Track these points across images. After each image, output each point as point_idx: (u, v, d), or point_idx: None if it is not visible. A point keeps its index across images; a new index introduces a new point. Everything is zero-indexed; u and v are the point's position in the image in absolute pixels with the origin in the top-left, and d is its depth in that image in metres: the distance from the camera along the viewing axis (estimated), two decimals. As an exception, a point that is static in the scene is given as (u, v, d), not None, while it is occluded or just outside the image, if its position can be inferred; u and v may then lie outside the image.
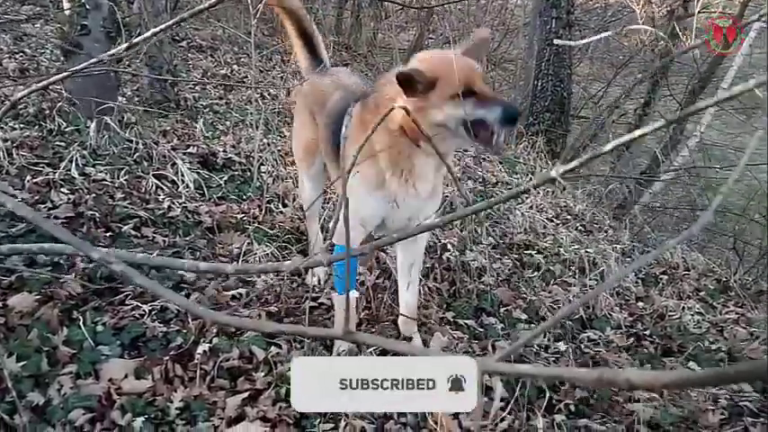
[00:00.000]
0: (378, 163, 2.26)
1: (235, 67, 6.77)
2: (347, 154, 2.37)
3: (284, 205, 3.54)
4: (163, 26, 1.82)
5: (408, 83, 2.04)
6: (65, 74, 2.10)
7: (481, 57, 2.28)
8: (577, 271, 3.64)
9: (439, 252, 3.41)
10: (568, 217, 4.87)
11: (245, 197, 3.62)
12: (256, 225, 3.24)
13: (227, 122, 4.85)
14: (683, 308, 3.41)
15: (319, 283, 2.89)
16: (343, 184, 1.13)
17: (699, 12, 6.65)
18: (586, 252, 3.94)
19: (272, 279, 2.79)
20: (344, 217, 0.99)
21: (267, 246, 3.00)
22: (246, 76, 6.38)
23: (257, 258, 2.90)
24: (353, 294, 2.49)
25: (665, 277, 3.94)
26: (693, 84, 7.85)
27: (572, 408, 2.38)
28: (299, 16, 2.92)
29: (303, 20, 2.93)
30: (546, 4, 7.14)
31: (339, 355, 2.34)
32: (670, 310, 3.36)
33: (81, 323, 2.18)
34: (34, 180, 3.06)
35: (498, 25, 10.30)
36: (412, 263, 2.58)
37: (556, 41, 6.47)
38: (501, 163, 5.66)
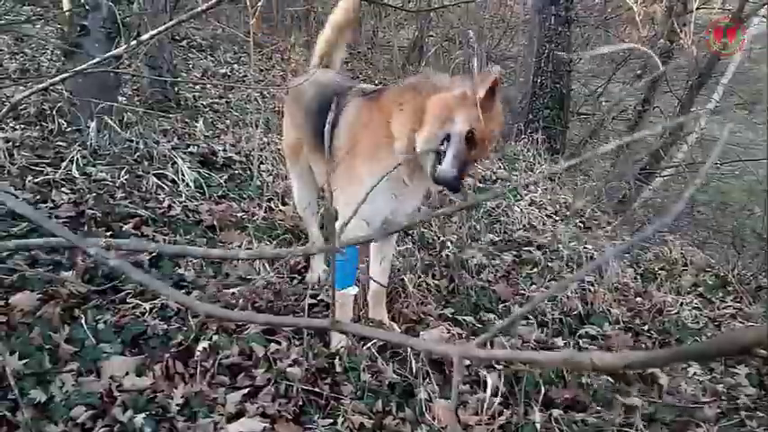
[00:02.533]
0: (390, 156, 2.30)
1: (235, 66, 6.79)
2: (339, 145, 2.40)
3: (284, 203, 3.56)
4: (161, 28, 1.83)
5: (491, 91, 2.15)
6: (65, 74, 2.12)
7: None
8: (576, 267, 3.66)
9: (438, 249, 3.43)
10: (567, 213, 4.88)
11: (245, 196, 3.64)
12: (257, 223, 3.26)
13: (227, 121, 4.87)
14: (681, 303, 3.42)
15: (318, 281, 2.92)
16: (328, 177, 1.15)
17: (697, 8, 6.67)
18: (585, 248, 3.96)
19: (272, 276, 2.82)
20: (327, 210, 1.00)
21: (267, 243, 3.02)
22: (246, 75, 6.40)
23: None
24: (352, 290, 2.52)
25: (664, 273, 3.96)
26: (693, 80, 7.84)
27: (569, 402, 2.41)
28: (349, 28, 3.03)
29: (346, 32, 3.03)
30: (545, 0, 7.14)
31: (338, 350, 2.36)
32: (668, 306, 3.37)
33: (82, 321, 2.20)
34: (35, 180, 3.09)
35: (498, 22, 10.30)
36: (384, 254, 2.66)
37: (558, 53, 6.49)
38: (500, 159, 5.67)
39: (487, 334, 0.70)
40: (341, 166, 2.37)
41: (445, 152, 2.15)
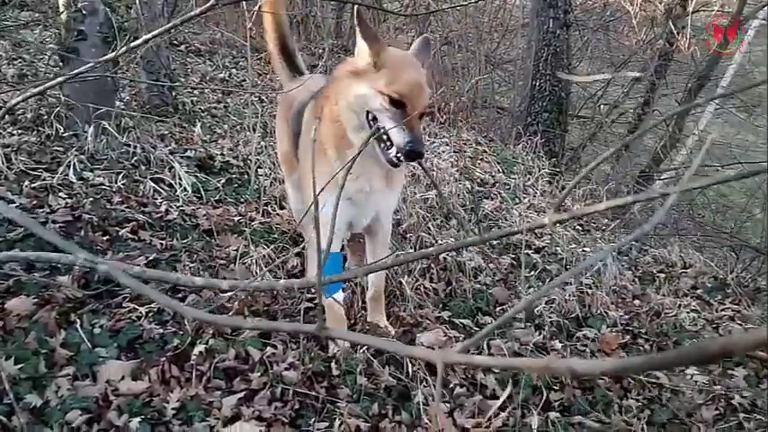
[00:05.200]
0: (328, 160, 2.22)
1: (233, 70, 6.80)
2: (301, 150, 2.39)
3: (281, 207, 3.56)
4: (157, 32, 1.84)
5: (369, 39, 2.01)
6: (61, 79, 2.12)
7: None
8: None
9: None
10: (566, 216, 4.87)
11: (242, 200, 3.64)
12: (254, 227, 3.26)
13: (225, 126, 4.87)
14: (680, 305, 3.42)
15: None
16: (303, 183, 1.15)
17: (696, 10, 6.68)
18: (583, 251, 3.96)
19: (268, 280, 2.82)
20: (315, 218, 1.01)
21: (264, 248, 3.02)
22: (244, 80, 6.41)
23: (255, 260, 2.91)
24: (339, 296, 2.51)
25: (663, 275, 3.96)
26: (692, 82, 7.85)
27: (567, 405, 2.40)
28: (283, 31, 2.96)
29: (286, 35, 2.99)
30: (544, 4, 7.15)
31: (334, 354, 2.36)
32: (666, 308, 3.37)
33: (78, 326, 2.20)
34: (32, 185, 3.09)
35: (497, 26, 10.31)
36: (376, 247, 2.62)
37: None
38: (499, 163, 5.67)
39: (471, 340, 0.70)
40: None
41: (383, 129, 1.99)
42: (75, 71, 1.88)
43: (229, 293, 2.62)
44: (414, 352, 0.80)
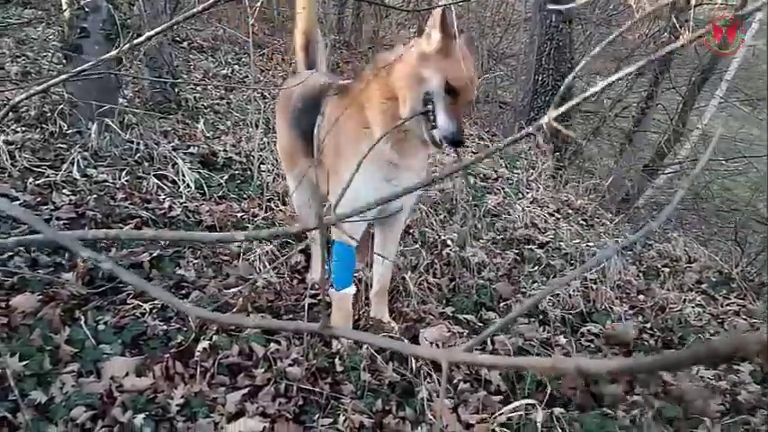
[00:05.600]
0: (373, 140, 2.20)
1: (235, 67, 6.80)
2: (323, 145, 2.39)
3: (284, 203, 3.56)
4: (159, 29, 1.83)
5: (445, 32, 2.10)
6: (64, 76, 2.12)
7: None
8: (578, 265, 3.64)
9: (439, 247, 3.42)
10: (570, 211, 4.87)
11: (245, 196, 3.65)
12: (257, 223, 3.26)
13: (228, 122, 4.87)
14: (684, 300, 3.41)
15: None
16: (317, 178, 1.15)
17: (698, 4, 6.65)
18: (587, 246, 3.95)
19: (272, 277, 2.82)
20: (318, 216, 1.00)
21: (268, 243, 3.02)
22: (247, 76, 6.40)
23: (258, 256, 2.91)
24: (351, 290, 2.52)
25: (667, 270, 3.95)
26: (696, 76, 7.82)
27: (573, 400, 2.40)
28: (311, 29, 2.99)
29: (311, 36, 3.00)
30: (546, -2, 7.13)
31: (338, 351, 2.36)
32: (671, 303, 3.36)
33: (83, 322, 2.21)
34: (36, 182, 3.09)
35: (499, 20, 10.28)
36: (388, 254, 2.63)
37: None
38: (502, 158, 5.66)
39: (476, 339, 0.70)
40: (330, 168, 2.36)
41: (433, 112, 2.11)
42: (79, 68, 1.88)
43: (233, 290, 2.63)
44: (419, 351, 0.80)
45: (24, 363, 1.96)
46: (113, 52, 1.88)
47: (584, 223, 4.73)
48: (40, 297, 2.26)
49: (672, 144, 8.29)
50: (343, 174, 2.29)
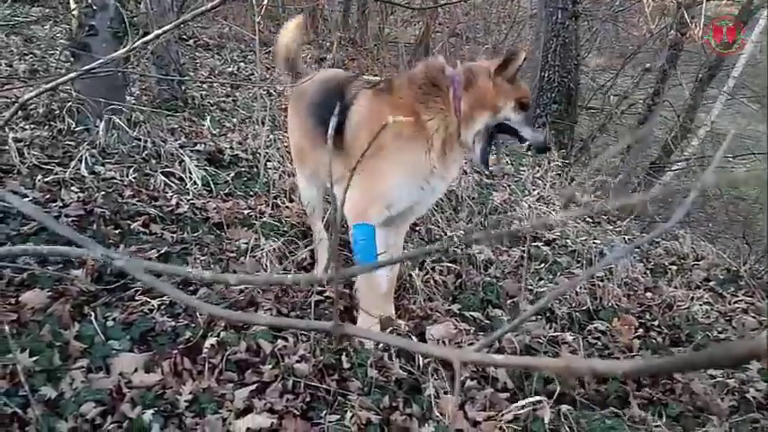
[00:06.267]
0: (422, 146, 2.39)
1: (241, 64, 6.81)
2: (353, 140, 2.41)
3: (291, 200, 3.57)
4: (167, 27, 1.84)
5: (507, 62, 2.35)
6: (73, 74, 2.13)
7: None
8: (585, 262, 3.64)
9: (445, 245, 3.42)
10: (577, 208, 4.86)
11: (251, 193, 3.66)
12: (263, 220, 3.26)
13: (234, 120, 4.89)
14: (692, 298, 3.40)
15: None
16: (330, 170, 1.15)
17: (707, 0, 6.60)
18: (594, 243, 3.94)
19: (279, 273, 2.82)
20: (334, 219, 1.00)
21: (274, 240, 3.03)
22: (253, 74, 6.41)
23: (265, 253, 2.92)
24: (382, 271, 2.56)
25: (675, 267, 3.93)
26: (703, 73, 7.78)
27: (582, 399, 2.40)
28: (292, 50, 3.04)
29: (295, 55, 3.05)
30: (552, -6, 7.11)
31: (345, 347, 2.35)
32: (678, 300, 3.35)
33: (92, 318, 2.22)
34: (45, 179, 3.11)
35: (505, 17, 10.26)
36: (392, 244, 2.72)
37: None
38: (508, 155, 5.65)
39: (487, 339, 0.70)
40: (363, 163, 2.38)
41: (515, 128, 2.39)
42: (87, 67, 1.89)
43: (240, 287, 2.63)
44: (431, 350, 0.80)
45: (34, 358, 1.97)
46: (123, 50, 1.89)
47: (591, 220, 4.72)
48: (50, 293, 2.28)
49: (679, 141, 8.26)
50: (383, 170, 2.34)
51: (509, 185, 4.89)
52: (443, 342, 2.56)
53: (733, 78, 8.76)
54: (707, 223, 6.55)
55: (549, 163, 5.72)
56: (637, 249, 4.02)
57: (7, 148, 3.22)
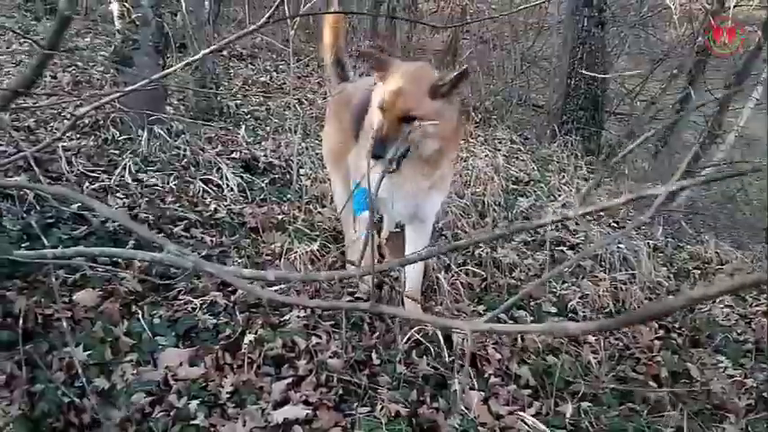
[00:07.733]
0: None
1: (274, 74, 7.00)
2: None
3: (322, 206, 3.72)
4: (215, 46, 2.00)
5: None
6: (122, 91, 2.31)
7: None
8: (609, 266, 3.71)
9: (471, 248, 3.53)
10: (601, 213, 4.92)
11: (285, 199, 3.81)
12: (296, 225, 3.41)
13: (268, 128, 5.06)
14: (714, 301, 3.45)
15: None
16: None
17: (734, 6, 6.61)
18: (618, 248, 4.00)
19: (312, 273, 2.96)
20: (370, 214, 1.14)
21: (307, 244, 3.17)
22: (285, 83, 6.60)
23: (298, 256, 3.06)
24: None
25: (698, 271, 3.98)
26: (731, 78, 7.73)
27: (600, 396, 2.49)
28: (340, 45, 3.18)
29: (341, 49, 3.20)
30: (579, 2, 7.17)
31: (375, 344, 2.48)
32: (700, 303, 3.41)
33: (140, 316, 2.39)
34: (92, 186, 3.31)
35: (532, 24, 10.31)
36: (419, 241, 2.79)
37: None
38: (534, 161, 5.74)
39: (495, 311, 0.83)
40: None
41: None
42: (136, 85, 2.04)
43: (275, 287, 2.78)
44: (448, 323, 0.94)
45: (88, 353, 2.15)
46: (167, 71, 2.05)
47: (616, 225, 4.78)
48: (101, 293, 2.46)
49: (707, 146, 8.20)
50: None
51: (534, 191, 4.98)
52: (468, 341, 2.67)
53: (762, 83, 8.66)
54: (733, 228, 6.52)
55: (575, 170, 5.79)
56: (655, 249, 4.06)
57: (57, 157, 3.43)
